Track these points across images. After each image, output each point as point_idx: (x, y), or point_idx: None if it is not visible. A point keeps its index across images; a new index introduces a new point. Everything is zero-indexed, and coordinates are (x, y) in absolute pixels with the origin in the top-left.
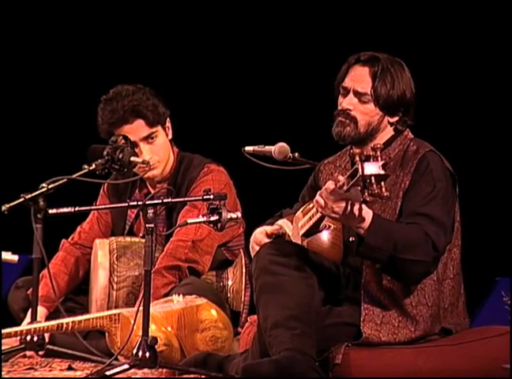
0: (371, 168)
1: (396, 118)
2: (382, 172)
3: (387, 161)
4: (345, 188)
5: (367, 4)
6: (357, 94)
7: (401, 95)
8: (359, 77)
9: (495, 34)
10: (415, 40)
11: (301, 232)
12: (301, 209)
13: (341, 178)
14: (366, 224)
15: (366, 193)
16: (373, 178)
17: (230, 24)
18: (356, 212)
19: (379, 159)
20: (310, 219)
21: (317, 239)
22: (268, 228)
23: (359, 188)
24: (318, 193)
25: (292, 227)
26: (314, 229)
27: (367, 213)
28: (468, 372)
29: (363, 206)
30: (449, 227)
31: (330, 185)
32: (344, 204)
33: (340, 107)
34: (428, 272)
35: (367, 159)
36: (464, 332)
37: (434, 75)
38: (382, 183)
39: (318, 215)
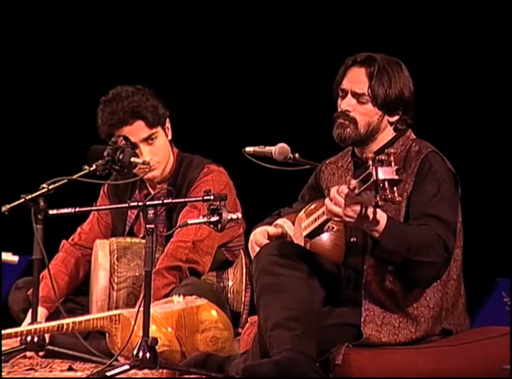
0: (385, 173)
1: (396, 118)
2: (396, 177)
3: (400, 166)
4: (357, 191)
5: (370, 4)
6: (355, 95)
7: (399, 94)
8: (356, 78)
9: (495, 33)
10: (417, 40)
11: (304, 233)
12: (303, 210)
13: (353, 182)
14: (380, 227)
15: (378, 198)
16: (386, 183)
17: (230, 26)
18: (371, 215)
19: (393, 163)
20: (316, 220)
21: (319, 240)
22: (270, 229)
23: (369, 191)
24: (327, 198)
25: (294, 227)
26: (319, 230)
27: (382, 216)
28: (468, 372)
29: (377, 209)
30: (456, 228)
31: (344, 189)
32: (358, 208)
33: (339, 109)
34: (439, 275)
35: (381, 163)
36: (465, 333)
37: (435, 75)
38: (395, 188)
39: (325, 217)
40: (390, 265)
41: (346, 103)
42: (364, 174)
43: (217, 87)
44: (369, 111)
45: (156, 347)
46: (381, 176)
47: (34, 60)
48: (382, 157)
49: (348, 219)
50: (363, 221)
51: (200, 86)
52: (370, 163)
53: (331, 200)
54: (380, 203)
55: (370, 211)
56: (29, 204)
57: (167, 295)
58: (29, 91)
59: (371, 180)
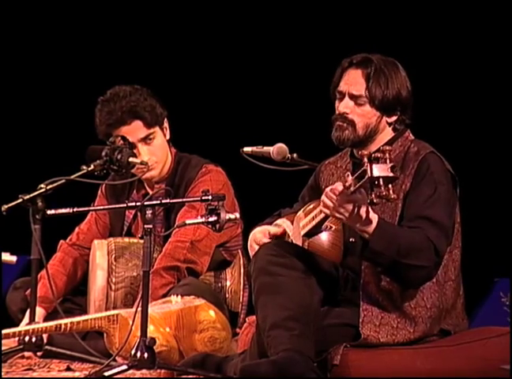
0: (380, 170)
1: (394, 118)
2: (391, 174)
3: (396, 163)
4: (352, 189)
5: (367, 4)
6: (353, 97)
7: (397, 95)
8: (353, 80)
9: (495, 34)
10: (415, 41)
11: (302, 232)
12: (302, 209)
13: (349, 179)
14: (371, 229)
15: (373, 195)
16: (381, 180)
17: (228, 25)
18: (363, 215)
19: (388, 161)
20: (313, 219)
21: (317, 240)
22: (271, 228)
23: (363, 189)
24: (324, 192)
25: (293, 226)
26: (316, 229)
27: (373, 217)
28: (466, 373)
29: (370, 210)
30: (451, 230)
31: (338, 186)
32: (351, 207)
33: (337, 112)
34: (430, 276)
35: (376, 160)
36: (463, 333)
37: (433, 76)
38: (390, 185)
39: (322, 215)
40: (378, 266)
41: (344, 106)
42: (359, 171)
43: (215, 87)
44: (367, 113)
45: (154, 347)
46: (375, 173)
47: (33, 60)
48: (378, 154)
49: (340, 216)
50: (354, 220)
51: (198, 86)
52: (366, 160)
53: (327, 196)
54: (375, 200)
55: (362, 210)
56: (27, 205)
57: (165, 295)
58: (28, 92)
59: (366, 177)
